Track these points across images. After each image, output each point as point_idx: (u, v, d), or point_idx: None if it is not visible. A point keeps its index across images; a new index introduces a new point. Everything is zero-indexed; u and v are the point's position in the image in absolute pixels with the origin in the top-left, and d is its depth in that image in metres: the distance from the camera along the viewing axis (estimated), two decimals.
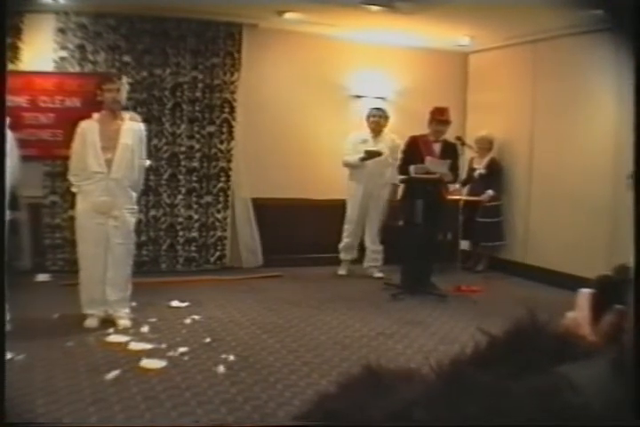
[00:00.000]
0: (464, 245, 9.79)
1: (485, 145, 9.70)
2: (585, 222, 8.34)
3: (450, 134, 8.72)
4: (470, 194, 9.50)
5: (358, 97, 9.92)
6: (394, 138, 9.02)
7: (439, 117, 8.33)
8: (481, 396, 0.71)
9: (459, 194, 9.07)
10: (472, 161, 9.80)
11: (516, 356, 0.78)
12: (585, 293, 0.95)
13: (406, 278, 8.24)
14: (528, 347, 0.79)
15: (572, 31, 8.33)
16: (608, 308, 0.91)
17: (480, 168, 9.60)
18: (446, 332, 6.66)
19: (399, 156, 8.65)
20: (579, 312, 0.94)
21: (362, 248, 9.25)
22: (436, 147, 8.40)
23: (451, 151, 8.43)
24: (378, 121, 8.98)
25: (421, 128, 8.43)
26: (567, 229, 8.64)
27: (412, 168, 8.16)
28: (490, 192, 9.45)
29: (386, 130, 9.08)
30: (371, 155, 8.73)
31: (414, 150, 8.35)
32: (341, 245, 9.18)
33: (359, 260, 9.26)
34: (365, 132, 9.01)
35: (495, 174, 9.60)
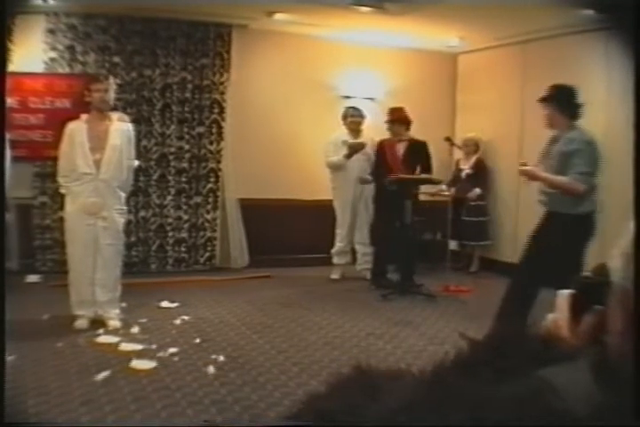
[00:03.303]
0: (453, 245, 9.82)
1: (471, 146, 9.72)
2: None
3: (439, 135, 8.75)
4: (457, 194, 9.52)
5: (347, 97, 9.92)
6: (373, 137, 8.97)
7: (389, 117, 8.51)
8: (465, 402, 0.72)
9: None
10: (458, 162, 9.84)
11: (498, 360, 0.79)
12: (564, 294, 0.96)
13: (380, 278, 8.33)
14: (509, 351, 0.80)
15: (563, 31, 8.36)
16: (588, 309, 0.92)
17: (467, 168, 9.63)
18: (435, 332, 6.68)
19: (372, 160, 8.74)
20: (559, 314, 0.95)
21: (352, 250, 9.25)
22: (400, 147, 8.47)
23: (418, 150, 8.46)
24: (357, 121, 8.89)
25: (411, 129, 8.47)
26: None
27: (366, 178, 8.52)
28: (477, 190, 9.48)
29: (364, 129, 9.02)
30: (354, 148, 8.63)
31: (380, 154, 8.53)
32: (334, 250, 9.10)
33: (351, 261, 9.25)
34: (344, 133, 8.89)
35: (482, 174, 9.63)
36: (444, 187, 9.13)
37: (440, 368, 0.81)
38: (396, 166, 8.33)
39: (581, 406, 0.72)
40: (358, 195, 8.93)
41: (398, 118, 8.40)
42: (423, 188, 8.78)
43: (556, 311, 0.97)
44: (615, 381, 0.75)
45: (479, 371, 0.78)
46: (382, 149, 8.53)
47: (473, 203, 9.45)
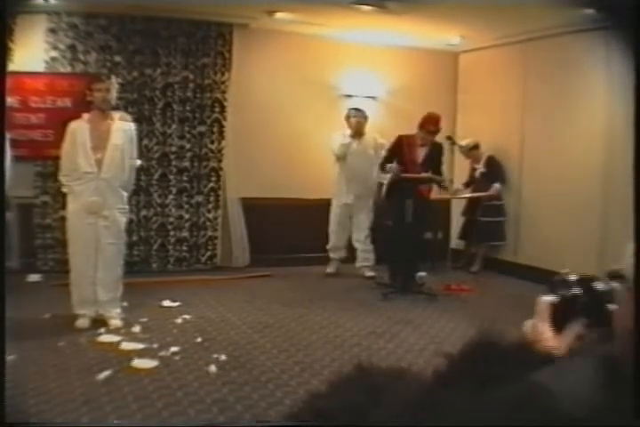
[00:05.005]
0: (458, 244, 9.84)
1: (474, 151, 9.64)
2: (575, 221, 8.37)
3: (441, 134, 8.73)
4: (474, 193, 9.55)
5: (349, 96, 9.93)
6: (376, 137, 9.06)
7: (432, 129, 8.30)
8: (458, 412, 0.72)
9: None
10: (473, 162, 9.78)
11: (478, 370, 0.78)
12: (545, 301, 0.96)
13: (396, 278, 8.26)
14: (488, 361, 0.79)
15: (563, 31, 8.36)
16: (569, 319, 0.92)
17: (480, 167, 9.58)
18: (436, 331, 6.68)
19: (383, 154, 8.69)
20: (540, 320, 0.94)
21: (352, 248, 9.28)
22: (422, 151, 8.40)
23: (437, 153, 8.46)
24: (360, 121, 8.95)
25: (411, 127, 8.43)
26: (558, 228, 8.68)
27: (388, 166, 8.19)
28: (497, 186, 9.37)
29: (367, 130, 9.07)
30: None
31: (398, 152, 8.41)
32: (329, 246, 9.27)
33: (351, 259, 9.28)
34: (346, 134, 8.98)
35: (495, 171, 9.54)
36: (460, 187, 9.30)
37: (419, 389, 0.80)
38: (414, 169, 8.29)
39: (580, 406, 0.72)
40: (356, 194, 9.03)
41: (438, 130, 8.35)
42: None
43: (536, 317, 0.96)
44: (618, 380, 0.75)
45: (461, 384, 0.77)
46: (401, 146, 8.42)
47: (489, 202, 9.38)
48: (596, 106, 8.26)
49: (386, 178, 8.59)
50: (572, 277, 1.00)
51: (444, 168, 8.74)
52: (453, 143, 9.08)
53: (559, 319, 0.94)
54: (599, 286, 0.95)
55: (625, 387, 0.73)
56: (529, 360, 0.80)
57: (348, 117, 9.00)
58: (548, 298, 0.96)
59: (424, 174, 8.22)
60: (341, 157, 8.95)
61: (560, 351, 0.89)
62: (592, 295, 0.94)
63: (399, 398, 0.75)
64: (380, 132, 8.99)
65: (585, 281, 0.97)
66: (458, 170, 10.04)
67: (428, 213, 8.41)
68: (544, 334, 0.92)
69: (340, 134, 8.96)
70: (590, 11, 7.45)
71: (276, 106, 9.47)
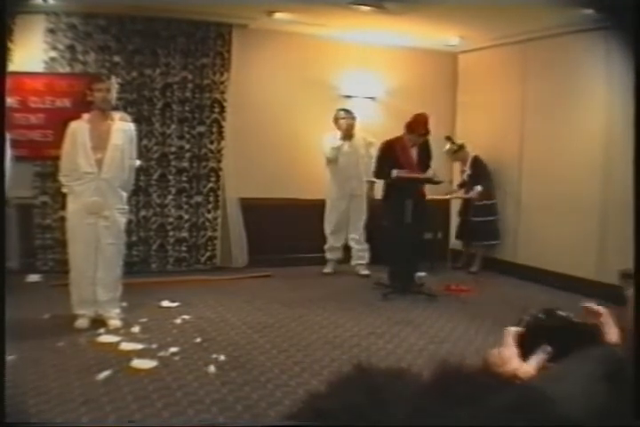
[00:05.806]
0: (457, 244, 9.86)
1: (459, 154, 9.66)
2: (575, 221, 8.37)
3: (439, 134, 8.74)
4: (466, 194, 9.59)
5: (348, 97, 9.93)
6: (365, 136, 9.13)
7: (422, 131, 8.20)
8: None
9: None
10: (461, 164, 9.82)
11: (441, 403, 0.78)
12: (512, 331, 0.97)
13: (395, 278, 8.25)
14: (448, 396, 0.79)
15: (563, 31, 8.36)
16: (534, 347, 0.93)
17: (466, 169, 9.61)
18: (436, 331, 6.68)
19: (374, 155, 8.70)
20: (506, 349, 0.95)
21: (347, 247, 9.34)
22: (414, 151, 8.38)
23: (426, 151, 8.47)
24: (350, 123, 8.99)
25: None
26: (557, 229, 8.68)
27: (395, 172, 8.13)
28: (477, 188, 9.42)
29: (356, 130, 9.11)
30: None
31: (390, 157, 8.31)
32: (326, 246, 9.35)
33: (346, 259, 9.34)
34: (337, 136, 9.03)
35: (480, 172, 9.56)
36: (455, 188, 9.56)
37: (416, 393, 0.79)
38: (413, 169, 8.26)
39: (578, 408, 0.72)
40: (348, 193, 9.13)
41: (428, 132, 8.31)
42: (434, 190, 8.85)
43: (503, 346, 0.97)
44: (617, 380, 0.75)
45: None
46: (393, 150, 8.33)
47: (480, 202, 9.40)
48: (595, 106, 8.26)
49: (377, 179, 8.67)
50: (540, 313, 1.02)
51: (439, 168, 8.77)
52: (453, 143, 9.09)
53: (527, 346, 0.96)
54: (563, 312, 0.97)
55: (624, 387, 0.73)
56: (493, 386, 0.80)
57: (336, 119, 9.03)
58: (515, 328, 0.98)
59: (422, 175, 8.23)
60: (333, 160, 8.99)
61: (528, 376, 0.90)
62: (556, 320, 0.96)
63: (399, 398, 0.75)
64: (380, 133, 8.96)
65: (549, 310, 0.99)
66: (456, 171, 10.06)
67: (427, 213, 8.40)
68: (511, 359, 0.93)
69: (331, 137, 9.00)
70: (590, 11, 7.46)
71: (276, 106, 9.47)
